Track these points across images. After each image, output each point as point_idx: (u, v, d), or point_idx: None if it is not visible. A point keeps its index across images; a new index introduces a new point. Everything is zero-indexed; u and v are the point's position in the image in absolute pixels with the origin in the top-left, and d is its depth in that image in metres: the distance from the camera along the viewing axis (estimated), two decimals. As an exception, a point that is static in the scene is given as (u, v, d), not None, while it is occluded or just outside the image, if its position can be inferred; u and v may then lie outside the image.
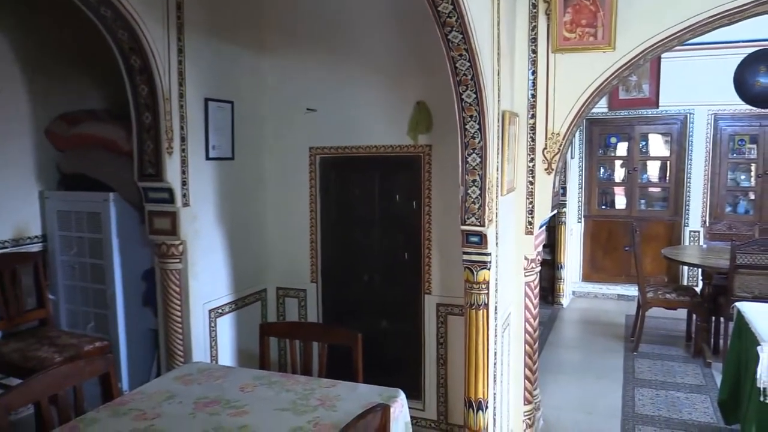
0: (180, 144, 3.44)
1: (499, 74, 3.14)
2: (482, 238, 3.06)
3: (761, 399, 3.25)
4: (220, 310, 3.85)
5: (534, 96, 3.58)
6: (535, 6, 3.51)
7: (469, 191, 3.02)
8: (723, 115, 7.43)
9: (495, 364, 3.32)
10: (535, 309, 3.84)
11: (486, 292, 3.12)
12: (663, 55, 7.04)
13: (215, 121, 3.70)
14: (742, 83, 7.09)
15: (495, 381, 3.34)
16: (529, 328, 3.82)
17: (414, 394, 3.96)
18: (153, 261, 3.70)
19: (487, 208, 3.02)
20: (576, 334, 6.61)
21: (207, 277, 3.73)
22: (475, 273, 3.10)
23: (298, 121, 4.16)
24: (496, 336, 3.30)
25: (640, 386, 4.95)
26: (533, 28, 3.53)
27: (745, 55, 7.00)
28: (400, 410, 2.44)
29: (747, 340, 3.67)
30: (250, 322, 4.08)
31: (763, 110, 7.11)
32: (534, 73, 3.57)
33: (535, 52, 3.55)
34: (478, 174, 2.99)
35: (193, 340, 3.60)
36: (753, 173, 7.63)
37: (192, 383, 2.62)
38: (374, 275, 4.15)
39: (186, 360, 3.51)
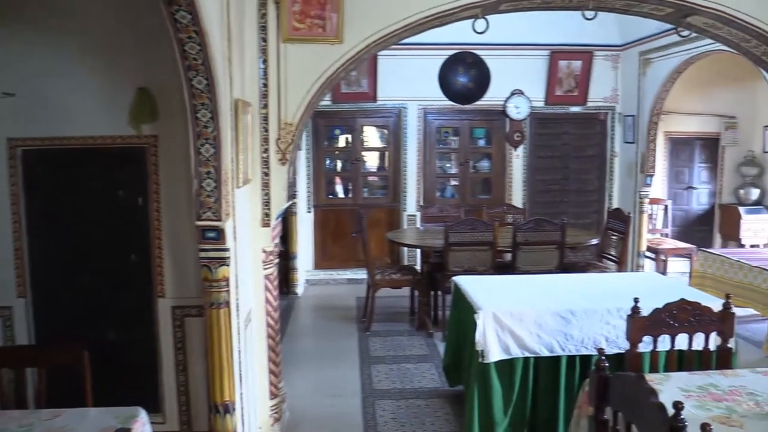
0: None
1: (230, 61, 3.01)
2: (220, 234, 2.91)
3: (480, 360, 3.66)
4: None
5: (266, 85, 3.52)
6: (264, -7, 3.45)
7: (204, 184, 2.85)
8: (431, 109, 8.23)
9: (240, 363, 3.21)
10: (275, 302, 3.81)
11: (227, 289, 2.98)
12: (379, 54, 7.52)
13: None
14: (445, 81, 7.97)
15: (241, 381, 3.23)
16: (271, 322, 3.78)
17: (152, 406, 3.63)
18: None
19: (223, 201, 2.88)
20: (313, 322, 6.78)
21: None
22: (213, 270, 2.94)
23: (-10, 107, 3.50)
24: (239, 334, 3.18)
25: (376, 363, 5.26)
26: (263, 16, 3.45)
27: (447, 57, 7.87)
28: (142, 430, 2.20)
29: (464, 310, 4.11)
30: (-65, 352, 3.34)
31: (462, 106, 8.07)
32: (265, 61, 3.50)
33: (265, 40, 3.49)
34: (213, 165, 2.83)
35: None
36: (456, 161, 8.60)
37: None
38: (98, 282, 3.69)
39: None
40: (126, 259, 3.69)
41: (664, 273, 7.42)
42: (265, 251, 3.67)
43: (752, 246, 7.72)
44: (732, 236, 8.03)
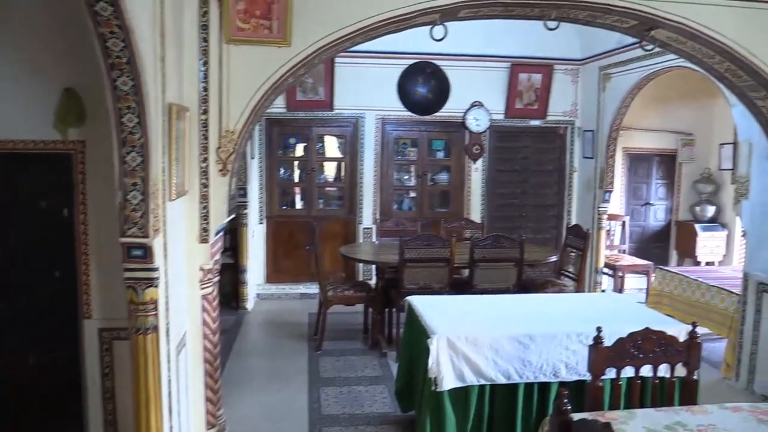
0: None
1: (163, 60, 2.73)
2: (147, 251, 2.63)
3: (433, 388, 3.43)
4: None
5: (206, 89, 3.25)
6: (205, -11, 3.18)
7: (129, 196, 2.57)
8: (389, 120, 8.01)
9: (170, 393, 2.92)
10: (214, 323, 3.52)
11: (155, 313, 2.70)
12: (336, 61, 7.31)
13: None
14: (404, 91, 7.79)
15: (171, 412, 2.93)
16: (209, 345, 3.48)
17: (75, 438, 3.34)
18: None
19: (151, 215, 2.60)
20: (262, 339, 6.46)
21: None
22: (140, 292, 2.66)
23: None
24: (169, 362, 2.89)
25: (325, 385, 4.98)
26: (204, 14, 3.18)
27: (406, 66, 7.69)
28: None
29: (417, 332, 3.88)
30: None
31: (421, 116, 7.89)
32: (206, 63, 3.23)
33: (206, 40, 3.22)
34: (140, 176, 2.56)
35: None
36: (414, 173, 8.40)
37: None
38: (15, 301, 3.36)
39: None
40: (49, 275, 3.38)
41: (621, 290, 7.36)
42: (203, 269, 3.38)
43: (708, 263, 7.72)
44: (688, 253, 8.03)
